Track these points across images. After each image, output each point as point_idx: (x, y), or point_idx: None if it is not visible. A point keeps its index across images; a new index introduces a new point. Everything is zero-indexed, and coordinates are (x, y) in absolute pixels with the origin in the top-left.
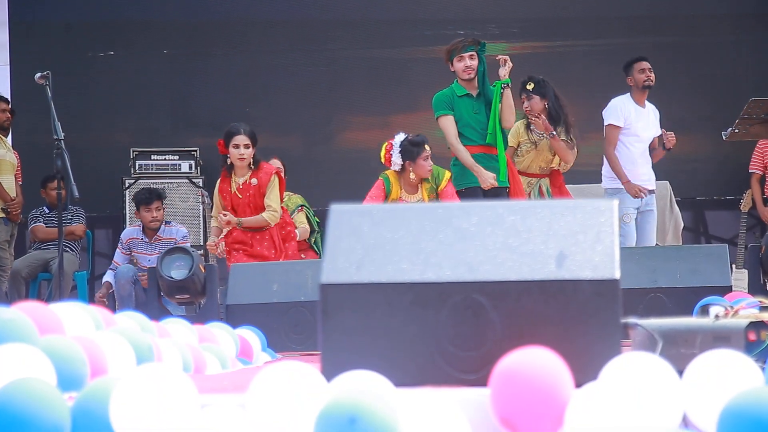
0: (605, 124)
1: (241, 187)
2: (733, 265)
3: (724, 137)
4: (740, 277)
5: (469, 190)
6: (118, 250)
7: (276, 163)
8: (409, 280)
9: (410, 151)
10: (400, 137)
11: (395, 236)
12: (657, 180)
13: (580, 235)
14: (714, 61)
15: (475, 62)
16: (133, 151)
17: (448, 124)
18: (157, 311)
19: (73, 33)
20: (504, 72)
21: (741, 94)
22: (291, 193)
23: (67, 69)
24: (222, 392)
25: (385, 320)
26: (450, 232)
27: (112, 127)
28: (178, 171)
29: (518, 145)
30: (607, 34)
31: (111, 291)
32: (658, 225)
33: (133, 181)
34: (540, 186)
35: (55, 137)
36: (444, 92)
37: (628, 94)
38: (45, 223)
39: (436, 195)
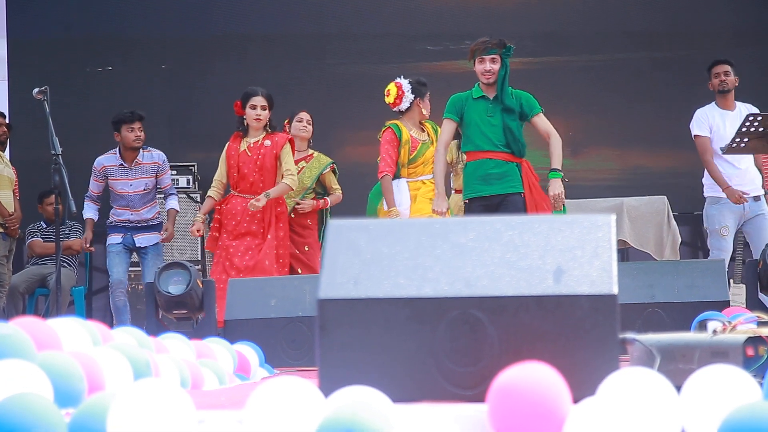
0: (692, 135)
1: (251, 145)
2: (731, 280)
3: (721, 152)
4: (738, 292)
5: (472, 201)
6: (92, 179)
7: (305, 116)
8: (407, 295)
9: (419, 89)
10: (405, 80)
11: (392, 251)
12: (654, 195)
13: (577, 251)
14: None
15: (496, 66)
16: None
17: (445, 128)
18: (154, 326)
19: (71, 48)
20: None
21: None
22: (318, 153)
23: (66, 84)
24: (219, 408)
25: (382, 335)
26: (447, 247)
27: (110, 142)
28: (175, 186)
29: (451, 164)
30: (605, 49)
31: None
32: (655, 239)
33: None
34: None
35: (53, 152)
36: (459, 95)
37: (714, 101)
38: (43, 239)
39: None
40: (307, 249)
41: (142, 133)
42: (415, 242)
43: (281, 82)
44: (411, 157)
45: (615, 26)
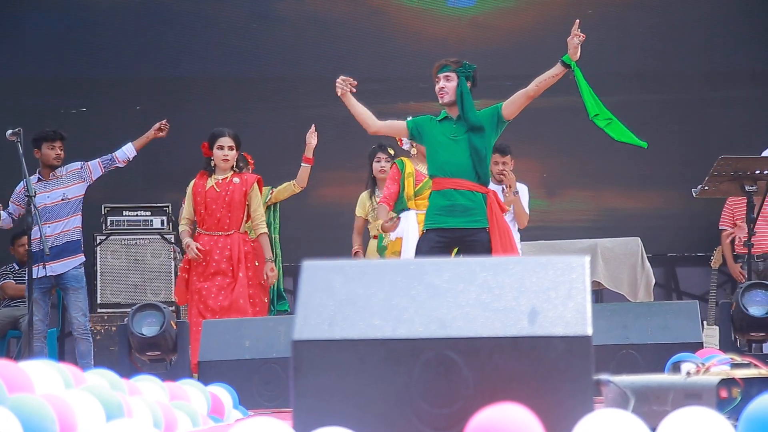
0: None
1: (219, 182)
2: (704, 322)
3: (694, 194)
4: (711, 334)
5: (430, 231)
6: (10, 201)
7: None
8: (381, 336)
9: None
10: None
11: (367, 292)
12: (628, 236)
13: (551, 292)
14: (684, 118)
15: (450, 84)
16: (105, 207)
17: (395, 122)
18: (127, 368)
19: (44, 89)
20: (575, 47)
21: (710, 151)
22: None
23: (39, 125)
24: None
25: (357, 377)
26: (422, 288)
27: None
28: (150, 227)
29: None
30: (575, 91)
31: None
32: (629, 281)
33: (104, 237)
34: None
35: (26, 194)
36: (427, 115)
37: None
38: (15, 280)
39: None
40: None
41: (62, 152)
42: (390, 283)
43: (254, 124)
44: (416, 189)
45: (588, 68)
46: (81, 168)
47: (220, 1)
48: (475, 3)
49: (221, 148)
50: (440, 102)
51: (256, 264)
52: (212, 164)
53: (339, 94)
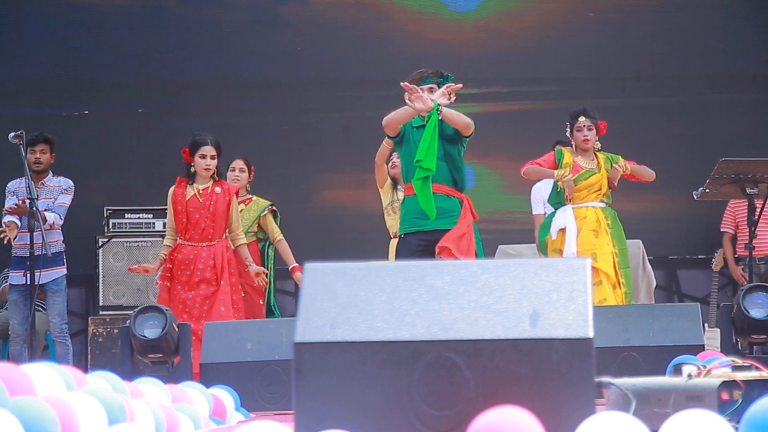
0: None
1: (201, 191)
2: (706, 324)
3: (695, 197)
4: (713, 336)
5: (408, 235)
6: (6, 197)
7: (239, 164)
8: (383, 338)
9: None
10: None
11: (369, 295)
12: (629, 239)
13: (553, 294)
14: (685, 121)
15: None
16: (107, 210)
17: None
18: (129, 371)
19: (46, 92)
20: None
21: (712, 154)
22: (256, 197)
23: (41, 128)
24: None
25: (358, 379)
26: (424, 290)
27: (86, 185)
28: (152, 229)
29: (387, 204)
30: (577, 94)
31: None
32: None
33: (106, 239)
34: None
35: (28, 197)
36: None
37: None
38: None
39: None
40: (243, 295)
41: (45, 156)
42: (391, 285)
43: (256, 128)
44: (572, 178)
45: (586, 72)
46: (67, 189)
47: (223, 5)
48: (477, 7)
49: (204, 157)
50: (422, 114)
51: (254, 267)
52: (192, 170)
53: (413, 99)
